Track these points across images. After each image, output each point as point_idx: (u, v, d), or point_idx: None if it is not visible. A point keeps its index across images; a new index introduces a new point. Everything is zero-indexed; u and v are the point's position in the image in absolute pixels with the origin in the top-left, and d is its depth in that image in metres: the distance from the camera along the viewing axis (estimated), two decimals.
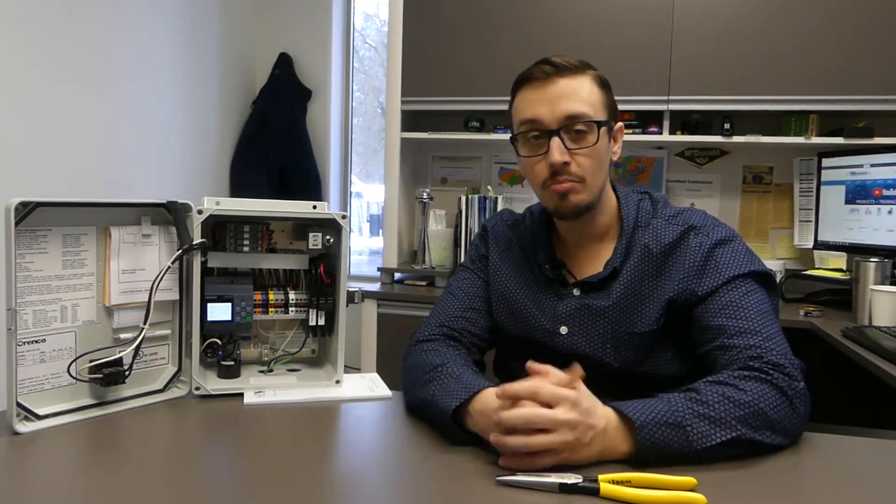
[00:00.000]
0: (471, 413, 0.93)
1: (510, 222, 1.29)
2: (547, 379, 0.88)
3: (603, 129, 1.09)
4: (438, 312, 1.22)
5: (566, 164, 1.07)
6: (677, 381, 1.14)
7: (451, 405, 0.94)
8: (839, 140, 2.51)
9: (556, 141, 1.07)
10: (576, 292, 1.16)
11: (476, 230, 2.75)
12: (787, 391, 0.92)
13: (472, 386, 0.96)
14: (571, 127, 1.08)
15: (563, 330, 1.16)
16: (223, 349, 1.18)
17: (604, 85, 1.13)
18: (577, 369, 0.89)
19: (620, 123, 1.16)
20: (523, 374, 1.24)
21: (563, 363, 1.16)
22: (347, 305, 1.21)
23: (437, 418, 0.97)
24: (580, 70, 1.10)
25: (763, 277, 1.09)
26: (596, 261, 1.17)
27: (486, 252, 1.27)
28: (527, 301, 1.20)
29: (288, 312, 1.21)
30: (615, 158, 1.15)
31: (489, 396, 0.92)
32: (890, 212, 2.29)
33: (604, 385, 1.16)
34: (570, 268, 1.19)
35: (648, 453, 0.85)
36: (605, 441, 0.86)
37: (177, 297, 1.13)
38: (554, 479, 0.79)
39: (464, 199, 2.83)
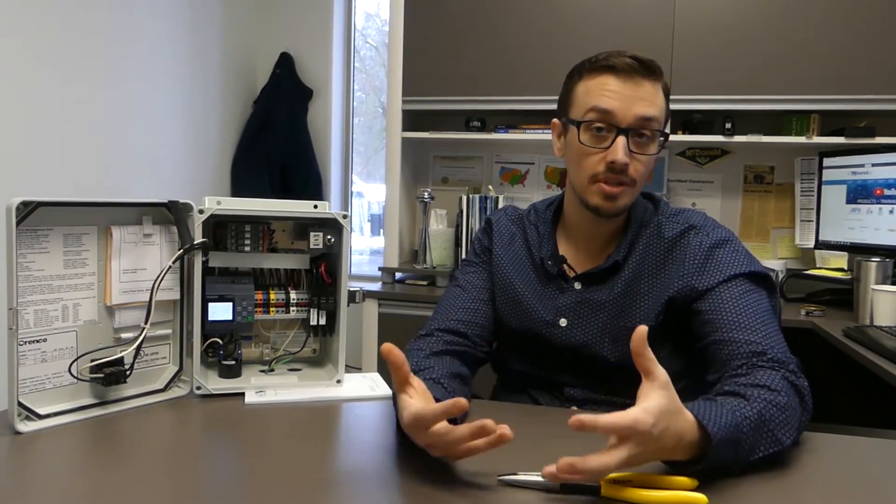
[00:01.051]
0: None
1: (514, 217, 1.30)
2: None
3: (662, 140, 1.10)
4: (445, 305, 1.22)
5: (626, 164, 1.07)
6: (673, 376, 1.14)
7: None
8: (840, 139, 2.51)
9: (623, 140, 1.06)
10: (577, 286, 1.17)
11: (477, 230, 2.75)
12: (801, 389, 0.93)
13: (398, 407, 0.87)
14: (639, 131, 1.07)
15: (563, 322, 1.16)
16: (224, 349, 1.18)
17: (667, 95, 1.13)
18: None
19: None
20: (517, 370, 1.24)
21: (560, 356, 1.17)
22: (348, 305, 1.21)
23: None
24: (660, 76, 1.10)
25: (762, 278, 1.10)
26: (598, 258, 1.18)
27: (490, 245, 1.28)
28: (528, 294, 1.20)
29: (289, 312, 1.21)
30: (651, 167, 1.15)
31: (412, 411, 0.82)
32: (891, 211, 2.28)
33: (600, 381, 1.16)
34: (573, 264, 1.19)
35: (703, 465, 0.79)
36: (665, 454, 0.78)
37: (178, 296, 1.13)
38: None
39: (465, 198, 2.83)
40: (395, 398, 0.93)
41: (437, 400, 0.86)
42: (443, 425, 0.79)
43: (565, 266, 1.18)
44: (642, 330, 0.76)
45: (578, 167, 1.12)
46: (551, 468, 0.73)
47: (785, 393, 0.90)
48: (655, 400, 0.74)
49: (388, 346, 0.83)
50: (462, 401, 0.76)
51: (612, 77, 1.08)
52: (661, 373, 0.76)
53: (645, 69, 1.07)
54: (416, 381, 0.87)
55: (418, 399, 0.85)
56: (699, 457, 0.79)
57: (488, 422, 0.75)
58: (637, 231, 1.16)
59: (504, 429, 0.76)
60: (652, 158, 1.10)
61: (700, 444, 0.79)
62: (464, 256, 1.38)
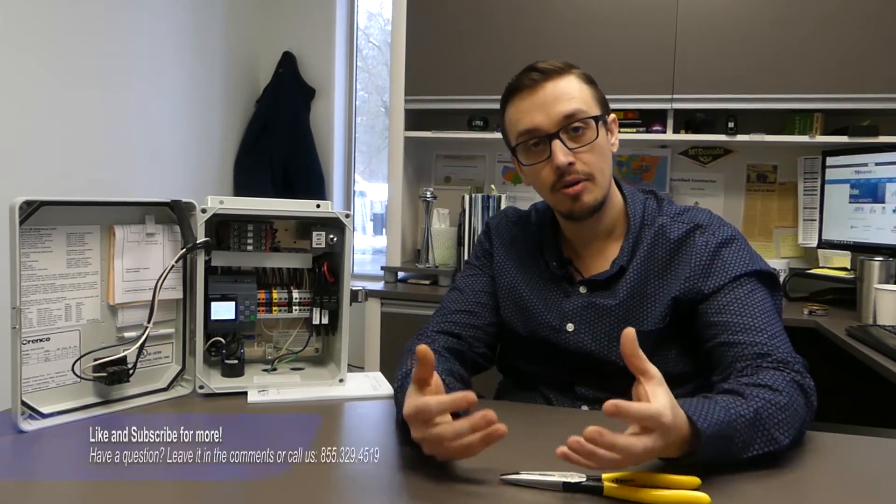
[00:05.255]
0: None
1: (514, 219, 1.29)
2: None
3: (600, 123, 1.10)
4: (443, 308, 1.22)
5: (571, 163, 1.07)
6: (683, 378, 1.14)
7: (400, 418, 0.88)
8: (843, 138, 2.50)
9: (557, 143, 1.07)
10: (582, 290, 1.16)
11: (479, 229, 2.74)
12: (807, 389, 0.93)
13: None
14: (569, 127, 1.08)
15: (570, 327, 1.16)
16: (227, 348, 1.18)
17: (589, 81, 1.14)
18: None
19: (613, 115, 1.16)
20: (527, 370, 1.23)
21: (568, 359, 1.17)
22: (351, 304, 1.21)
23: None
24: (565, 71, 1.11)
25: (767, 277, 1.10)
26: (602, 258, 1.17)
27: (491, 249, 1.27)
28: (533, 298, 1.20)
29: (291, 311, 1.21)
30: (615, 150, 1.16)
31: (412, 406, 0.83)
32: (894, 210, 2.28)
33: (609, 382, 1.16)
34: (577, 265, 1.19)
35: (696, 459, 0.80)
36: (661, 451, 0.79)
37: (181, 295, 1.13)
38: (557, 477, 0.79)
39: (467, 197, 2.82)
40: (396, 394, 0.93)
41: None
42: (444, 418, 0.80)
43: (571, 269, 1.18)
44: (630, 332, 0.79)
45: (537, 185, 1.14)
46: (564, 448, 0.74)
47: (787, 393, 0.90)
48: (663, 396, 0.77)
49: (424, 347, 0.83)
50: (471, 394, 0.79)
51: (521, 97, 1.11)
52: (656, 371, 0.80)
53: (546, 74, 1.10)
54: (435, 381, 0.85)
55: (427, 394, 0.84)
56: (690, 452, 0.81)
57: (490, 412, 0.77)
58: (639, 231, 1.15)
59: (499, 425, 0.77)
60: (601, 144, 1.10)
61: (690, 439, 0.80)
62: (466, 257, 1.38)
